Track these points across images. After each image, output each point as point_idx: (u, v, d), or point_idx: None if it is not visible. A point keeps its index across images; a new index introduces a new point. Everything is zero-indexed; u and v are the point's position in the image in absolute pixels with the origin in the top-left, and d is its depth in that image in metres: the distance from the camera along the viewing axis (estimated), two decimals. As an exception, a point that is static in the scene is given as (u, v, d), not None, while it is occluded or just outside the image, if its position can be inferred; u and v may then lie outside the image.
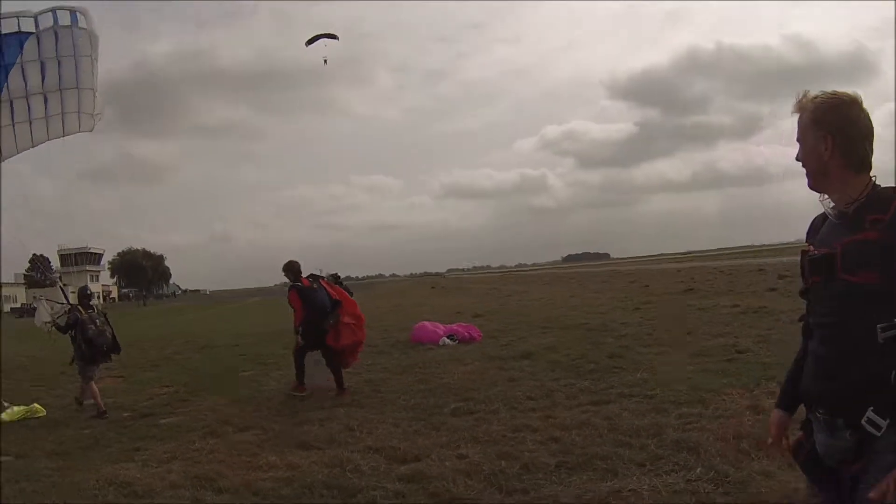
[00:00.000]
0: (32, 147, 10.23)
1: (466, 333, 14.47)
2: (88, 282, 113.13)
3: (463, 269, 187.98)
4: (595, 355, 11.05)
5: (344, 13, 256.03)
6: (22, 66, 9.59)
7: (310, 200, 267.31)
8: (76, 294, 11.40)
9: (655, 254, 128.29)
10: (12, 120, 9.72)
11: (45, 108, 9.98)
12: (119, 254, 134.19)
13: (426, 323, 15.41)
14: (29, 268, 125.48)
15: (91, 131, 10.78)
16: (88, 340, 10.09)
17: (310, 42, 27.38)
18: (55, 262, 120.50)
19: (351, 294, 17.92)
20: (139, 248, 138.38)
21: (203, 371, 13.88)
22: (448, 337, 14.10)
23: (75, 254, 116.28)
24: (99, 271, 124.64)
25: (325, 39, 27.63)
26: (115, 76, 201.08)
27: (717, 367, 9.36)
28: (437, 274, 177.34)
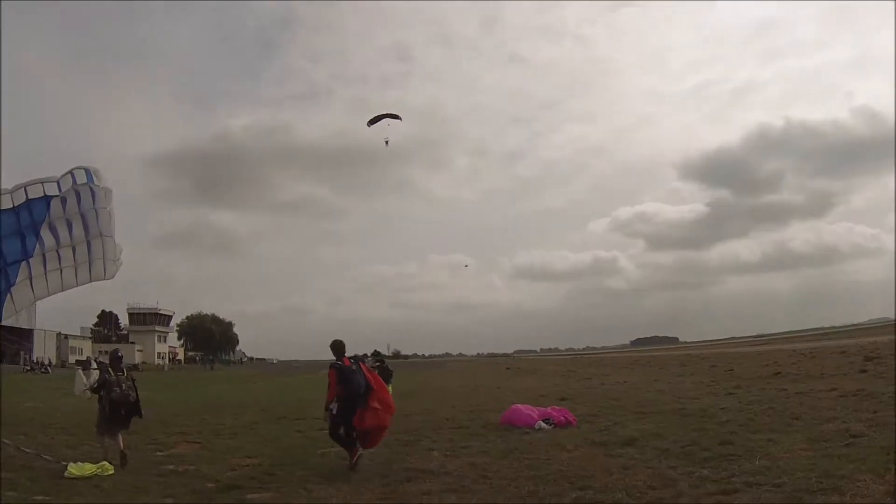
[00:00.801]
0: (62, 291, 11.63)
1: (562, 417, 14.23)
2: (156, 342, 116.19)
3: (532, 351, 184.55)
4: (705, 441, 10.73)
5: (418, 99, 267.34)
6: (50, 224, 11.13)
7: (386, 278, 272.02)
8: (109, 356, 11.86)
9: (725, 337, 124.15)
10: (45, 269, 11.10)
11: (74, 256, 11.48)
12: (188, 317, 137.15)
13: (519, 406, 15.24)
14: (97, 323, 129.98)
15: (113, 277, 12.27)
16: (112, 401, 10.54)
17: (372, 122, 27.15)
18: (124, 320, 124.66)
19: (390, 374, 19.13)
20: (209, 313, 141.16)
21: (286, 443, 13.56)
22: (544, 421, 13.89)
23: (145, 313, 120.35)
24: (167, 332, 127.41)
25: (389, 119, 27.36)
26: (195, 146, 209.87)
27: (837, 452, 9.06)
28: (504, 355, 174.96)
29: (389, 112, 27.42)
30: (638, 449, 10.76)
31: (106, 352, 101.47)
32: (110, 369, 10.97)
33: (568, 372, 45.83)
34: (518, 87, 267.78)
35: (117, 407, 10.61)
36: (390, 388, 20.21)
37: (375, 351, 23.30)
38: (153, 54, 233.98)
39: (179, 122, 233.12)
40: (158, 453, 11.99)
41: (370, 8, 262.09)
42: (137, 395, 10.95)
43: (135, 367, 77.13)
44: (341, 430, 10.57)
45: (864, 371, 21.46)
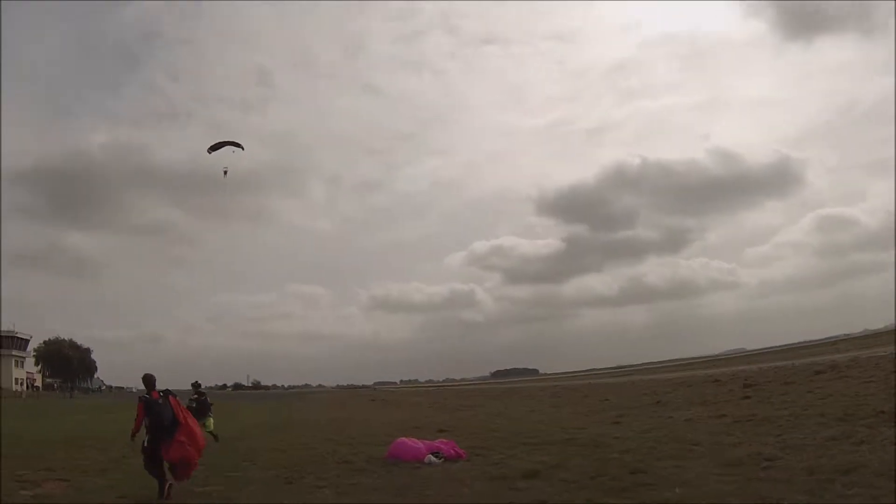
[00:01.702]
0: None
1: (451, 451, 13.15)
2: (13, 367, 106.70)
3: (392, 383, 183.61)
4: (613, 471, 10.01)
5: (277, 126, 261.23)
6: None
7: (240, 307, 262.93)
8: None
9: (585, 369, 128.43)
10: None
11: None
12: (45, 342, 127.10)
13: (405, 439, 14.02)
14: None
15: None
16: None
17: (213, 148, 25.60)
18: None
19: (209, 406, 20.30)
20: (66, 338, 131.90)
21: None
22: (433, 454, 12.76)
23: (1, 336, 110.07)
24: (24, 357, 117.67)
25: (232, 147, 26.00)
26: (51, 162, 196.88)
27: (757, 475, 8.71)
28: (364, 386, 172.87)
29: (231, 140, 25.81)
30: (544, 481, 9.90)
31: None
32: None
33: (436, 403, 44.96)
34: (375, 117, 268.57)
35: None
36: (210, 422, 20.04)
37: (195, 383, 22.22)
38: (10, 59, 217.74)
39: (37, 134, 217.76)
40: (23, 492, 10.80)
41: (233, 27, 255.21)
42: None
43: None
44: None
45: (747, 397, 21.91)
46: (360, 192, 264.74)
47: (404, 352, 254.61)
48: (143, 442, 10.60)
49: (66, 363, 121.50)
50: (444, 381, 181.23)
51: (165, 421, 10.65)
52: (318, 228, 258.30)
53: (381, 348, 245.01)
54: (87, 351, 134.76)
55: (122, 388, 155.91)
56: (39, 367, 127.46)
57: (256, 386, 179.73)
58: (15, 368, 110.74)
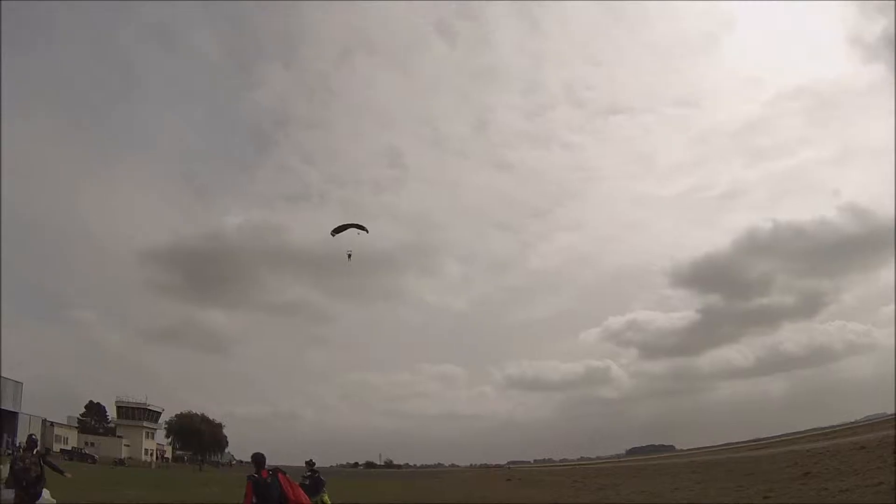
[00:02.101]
0: None
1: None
2: (144, 438, 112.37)
3: (526, 462, 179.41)
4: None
5: (410, 205, 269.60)
6: None
7: (374, 385, 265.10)
8: (26, 442, 13.68)
9: (721, 443, 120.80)
10: None
11: None
12: (177, 415, 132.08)
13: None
14: (84, 413, 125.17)
15: None
16: (13, 473, 12.71)
17: (337, 231, 25.88)
18: (112, 413, 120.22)
19: (322, 484, 20.70)
20: (199, 412, 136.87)
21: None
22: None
23: (133, 407, 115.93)
24: (155, 429, 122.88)
25: (357, 230, 26.10)
26: (188, 242, 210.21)
27: None
28: (497, 465, 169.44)
29: (356, 223, 26.17)
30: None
31: (92, 443, 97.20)
32: (21, 450, 13.35)
33: (574, 483, 43.57)
34: (506, 192, 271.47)
35: (19, 478, 12.61)
36: (326, 498, 20.85)
37: (309, 461, 22.66)
38: (150, 145, 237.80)
39: (174, 215, 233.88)
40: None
41: (363, 108, 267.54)
42: (42, 471, 12.91)
43: (121, 461, 73.71)
44: None
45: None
46: (493, 270, 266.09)
47: (539, 431, 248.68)
48: None
49: (197, 436, 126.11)
50: (578, 459, 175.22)
51: (272, 500, 11.11)
52: (452, 307, 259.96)
53: (515, 427, 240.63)
54: (219, 426, 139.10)
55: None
56: (170, 439, 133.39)
57: (389, 465, 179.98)
58: (146, 440, 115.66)
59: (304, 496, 11.94)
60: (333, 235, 25.91)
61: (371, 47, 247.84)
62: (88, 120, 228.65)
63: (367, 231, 26.20)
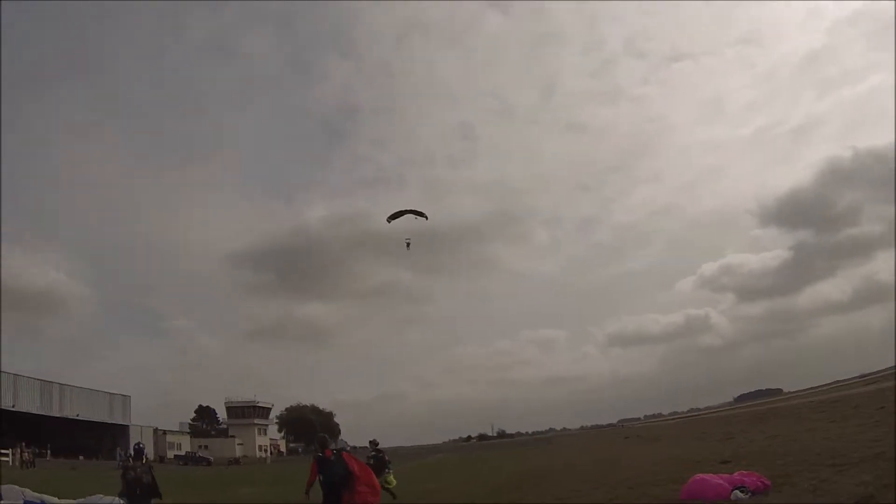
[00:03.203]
0: None
1: (758, 482, 12.64)
2: (256, 435, 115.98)
3: (636, 419, 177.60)
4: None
5: (488, 176, 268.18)
6: None
7: (476, 357, 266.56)
8: (133, 452, 14.34)
9: (829, 382, 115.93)
10: None
11: None
12: (287, 409, 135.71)
13: (703, 475, 13.70)
14: (195, 417, 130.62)
15: None
16: (126, 482, 12.85)
17: (393, 217, 24.84)
18: (222, 415, 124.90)
19: (386, 464, 20.92)
20: (308, 403, 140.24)
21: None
22: (738, 489, 12.35)
23: (243, 406, 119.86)
24: (267, 425, 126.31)
25: (414, 215, 24.89)
26: (276, 240, 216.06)
27: None
28: (609, 425, 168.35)
29: (413, 208, 24.98)
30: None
31: (206, 446, 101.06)
32: (131, 458, 13.66)
33: (699, 434, 42.80)
34: (581, 153, 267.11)
35: (132, 487, 12.84)
36: (391, 478, 20.86)
37: (372, 440, 23.40)
38: (224, 148, 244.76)
39: (258, 216, 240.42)
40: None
41: (426, 88, 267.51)
42: (153, 479, 13.14)
43: (235, 460, 76.60)
44: None
45: None
46: (579, 230, 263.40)
47: (645, 386, 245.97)
48: (307, 492, 12.58)
49: (309, 427, 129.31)
50: (688, 411, 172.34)
51: (336, 477, 12.26)
52: (544, 271, 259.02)
53: (620, 385, 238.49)
54: (330, 414, 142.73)
55: (366, 447, 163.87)
56: (283, 433, 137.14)
57: (502, 435, 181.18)
58: (258, 436, 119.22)
59: (370, 473, 13.26)
60: (389, 222, 25.01)
61: (425, 29, 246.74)
62: (161, 133, 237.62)
63: (427, 218, 25.25)
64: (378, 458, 20.88)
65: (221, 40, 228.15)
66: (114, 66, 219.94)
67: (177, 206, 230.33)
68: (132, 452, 14.00)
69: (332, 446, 13.24)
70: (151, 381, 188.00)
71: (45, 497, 17.34)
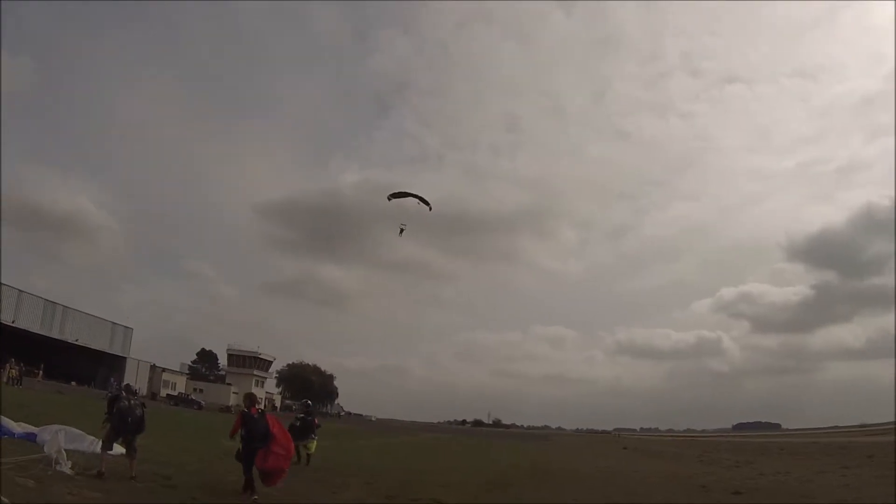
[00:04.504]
0: None
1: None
2: (253, 386, 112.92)
3: (632, 430, 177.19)
4: None
5: (527, 170, 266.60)
6: None
7: (485, 345, 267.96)
8: (124, 387, 14.39)
9: (828, 426, 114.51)
10: None
11: None
12: (289, 365, 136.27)
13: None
14: (196, 360, 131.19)
15: None
16: (119, 410, 12.88)
17: (394, 196, 24.18)
18: (223, 360, 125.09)
19: (312, 428, 20.86)
20: (311, 363, 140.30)
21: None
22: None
23: (244, 356, 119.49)
24: (265, 378, 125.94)
25: (416, 200, 24.05)
26: (306, 199, 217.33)
27: None
28: (603, 431, 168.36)
29: (417, 193, 24.26)
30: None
31: (201, 390, 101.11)
32: (124, 392, 13.59)
33: (701, 456, 41.89)
34: (624, 161, 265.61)
35: (123, 416, 12.87)
36: (312, 444, 20.76)
37: (304, 401, 23.90)
38: (274, 108, 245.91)
39: (293, 173, 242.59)
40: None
41: (480, 75, 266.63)
42: (144, 415, 13.41)
43: (227, 408, 76.80)
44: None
45: None
46: (608, 237, 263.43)
47: (645, 398, 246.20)
48: (238, 450, 13.18)
49: (307, 386, 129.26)
50: (684, 430, 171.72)
51: (256, 433, 12.99)
52: (566, 270, 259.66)
53: (622, 394, 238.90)
54: (330, 377, 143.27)
55: (361, 415, 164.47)
56: (280, 388, 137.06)
57: (496, 424, 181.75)
58: (255, 387, 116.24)
59: (288, 438, 14.08)
60: (389, 200, 24.33)
61: (489, 16, 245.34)
62: (217, 85, 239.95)
63: (430, 208, 24.55)
64: (305, 422, 20.89)
65: (291, 4, 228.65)
66: (182, 17, 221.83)
67: (217, 154, 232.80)
68: (125, 385, 14.10)
69: (259, 406, 14.11)
70: (161, 319, 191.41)
71: (3, 419, 16.63)
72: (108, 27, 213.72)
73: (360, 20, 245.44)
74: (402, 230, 25.15)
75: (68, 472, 12.24)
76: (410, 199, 24.12)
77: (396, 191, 24.23)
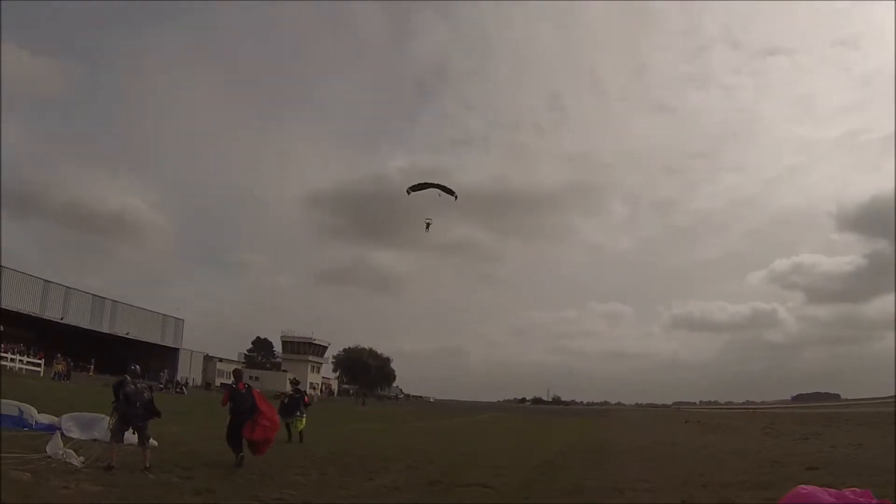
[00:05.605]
0: None
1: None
2: (309, 371, 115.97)
3: (691, 403, 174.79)
4: None
5: (572, 148, 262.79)
6: None
7: (542, 323, 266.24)
8: (133, 370, 13.32)
9: (889, 395, 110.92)
10: None
11: None
12: (345, 349, 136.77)
13: (807, 488, 12.17)
14: (251, 349, 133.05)
15: None
16: (126, 395, 12.55)
17: (415, 189, 22.53)
18: (278, 348, 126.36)
19: (300, 404, 22.26)
20: (367, 347, 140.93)
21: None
22: (851, 510, 10.75)
23: (299, 342, 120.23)
24: (321, 363, 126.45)
25: (439, 191, 22.42)
26: (354, 186, 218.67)
27: None
28: (663, 405, 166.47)
29: (440, 183, 22.57)
30: None
31: (256, 377, 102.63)
32: (130, 379, 12.93)
33: (765, 428, 40.75)
34: (668, 135, 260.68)
35: (131, 399, 12.55)
36: (302, 422, 21.85)
37: (293, 379, 26.28)
38: (318, 97, 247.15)
39: (339, 161, 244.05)
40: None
41: (518, 55, 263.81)
42: (153, 398, 13.16)
43: (281, 394, 77.43)
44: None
45: None
46: (658, 210, 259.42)
47: (703, 372, 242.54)
48: (227, 423, 14.02)
49: (364, 370, 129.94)
50: (743, 402, 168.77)
51: (243, 407, 13.96)
52: (618, 246, 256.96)
53: (679, 367, 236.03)
54: (387, 360, 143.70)
55: (420, 396, 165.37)
56: (337, 372, 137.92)
57: (556, 401, 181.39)
58: (311, 373, 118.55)
59: (273, 412, 15.10)
60: (409, 194, 22.65)
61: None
62: (260, 78, 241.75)
63: (456, 197, 22.58)
64: (294, 400, 22.08)
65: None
66: (222, 14, 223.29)
67: (264, 146, 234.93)
68: (130, 369, 13.32)
69: (246, 381, 15.03)
70: (214, 311, 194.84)
71: (24, 406, 17.13)
72: (155, 25, 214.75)
73: (398, 8, 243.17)
74: (427, 225, 23.56)
75: (77, 464, 11.92)
76: (433, 189, 22.56)
77: (415, 184, 22.76)
